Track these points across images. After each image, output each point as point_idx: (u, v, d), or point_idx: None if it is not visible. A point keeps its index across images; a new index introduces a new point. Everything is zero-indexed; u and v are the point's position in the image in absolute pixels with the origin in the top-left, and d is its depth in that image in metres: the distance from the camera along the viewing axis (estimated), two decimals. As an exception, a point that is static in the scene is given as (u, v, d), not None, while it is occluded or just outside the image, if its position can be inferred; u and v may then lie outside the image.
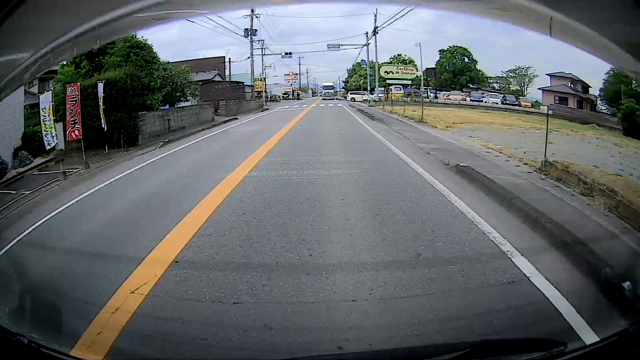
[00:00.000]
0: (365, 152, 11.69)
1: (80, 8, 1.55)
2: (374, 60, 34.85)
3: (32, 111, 15.12)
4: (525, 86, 33.47)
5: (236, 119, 24.56)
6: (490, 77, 35.30)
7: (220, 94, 27.02)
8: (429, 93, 35.28)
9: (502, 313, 3.58)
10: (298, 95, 50.52)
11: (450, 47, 35.61)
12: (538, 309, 3.63)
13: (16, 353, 1.62)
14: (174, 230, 5.70)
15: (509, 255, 4.52)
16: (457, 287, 4.04)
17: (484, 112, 27.45)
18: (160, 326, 3.68)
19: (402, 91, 33.45)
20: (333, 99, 44.41)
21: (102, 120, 13.96)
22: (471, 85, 34.45)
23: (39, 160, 13.50)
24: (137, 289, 3.97)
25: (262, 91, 34.91)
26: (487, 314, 3.55)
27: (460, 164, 9.29)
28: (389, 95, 32.34)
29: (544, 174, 8.76)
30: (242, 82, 31.83)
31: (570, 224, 5.43)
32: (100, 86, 13.97)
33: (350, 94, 42.68)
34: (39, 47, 1.64)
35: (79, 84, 13.71)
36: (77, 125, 12.86)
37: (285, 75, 47.42)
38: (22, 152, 13.59)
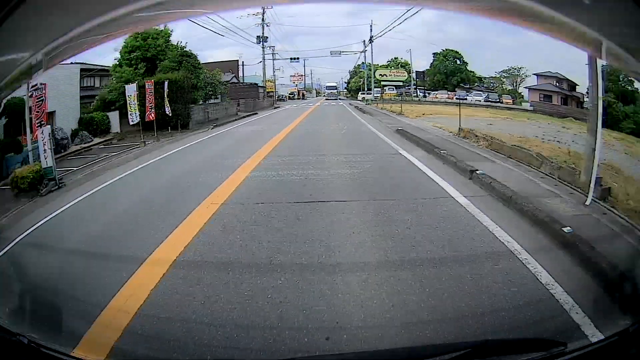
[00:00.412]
0: (351, 125, 19.02)
1: (80, 8, 1.51)
2: (372, 63, 37.46)
3: (83, 102, 18.67)
4: (517, 86, 33.40)
5: (256, 114, 27.98)
6: (485, 77, 35.68)
7: (239, 93, 30.02)
8: (418, 92, 36.26)
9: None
10: (303, 95, 51.75)
11: (443, 50, 36.24)
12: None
13: (16, 353, 1.51)
14: (244, 164, 9.48)
15: (404, 154, 10.17)
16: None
17: (463, 108, 27.48)
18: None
19: (395, 91, 35.35)
20: (336, 99, 43.89)
21: (168, 108, 17.90)
22: (463, 85, 34.78)
23: (97, 140, 17.20)
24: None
25: (272, 91, 38.19)
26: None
27: (399, 128, 15.51)
28: (383, 94, 34.89)
29: (456, 135, 13.61)
30: (257, 84, 34.90)
31: (446, 148, 10.31)
32: (166, 83, 17.93)
33: (361, 94, 42.04)
34: (39, 47, 1.61)
35: (152, 80, 17.77)
36: (152, 110, 16.85)
37: (291, 76, 48.81)
38: (83, 132, 17.02)
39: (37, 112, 11.23)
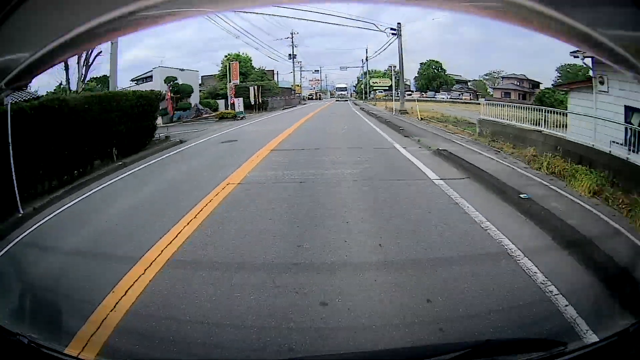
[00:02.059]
0: (344, 109, 29.43)
1: (82, 7, 1.43)
2: (368, 73, 49.82)
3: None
4: (496, 86, 34.89)
5: (294, 106, 38.12)
6: (470, 80, 40.17)
7: (279, 94, 39.50)
8: (397, 94, 42.25)
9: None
10: (320, 96, 60.69)
11: (427, 60, 43.17)
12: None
13: (16, 353, 1.29)
14: (307, 116, 21.18)
15: (355, 111, 27.10)
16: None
17: (427, 103, 31.75)
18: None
19: (383, 93, 46.04)
20: (346, 100, 45.26)
21: (260, 99, 27.65)
22: (445, 87, 41.01)
23: (214, 113, 25.38)
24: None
25: (300, 93, 49.99)
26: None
27: (361, 107, 26.57)
28: (375, 96, 46.29)
29: (383, 108, 23.77)
30: (289, 87, 45.27)
31: (381, 115, 19.53)
32: (260, 88, 27.79)
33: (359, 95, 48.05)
34: (40, 45, 1.53)
35: (257, 85, 28.03)
36: (257, 99, 26.14)
37: (310, 81, 59.01)
38: (206, 108, 25.93)
39: (231, 92, 25.40)
